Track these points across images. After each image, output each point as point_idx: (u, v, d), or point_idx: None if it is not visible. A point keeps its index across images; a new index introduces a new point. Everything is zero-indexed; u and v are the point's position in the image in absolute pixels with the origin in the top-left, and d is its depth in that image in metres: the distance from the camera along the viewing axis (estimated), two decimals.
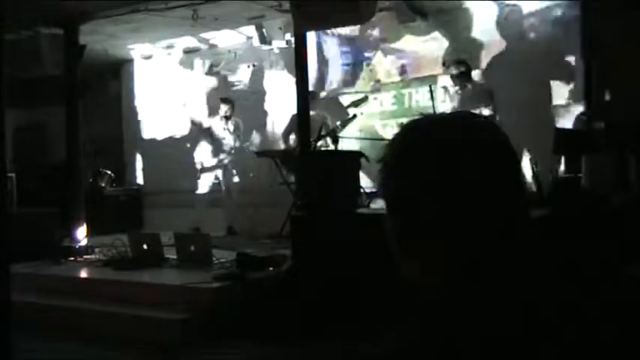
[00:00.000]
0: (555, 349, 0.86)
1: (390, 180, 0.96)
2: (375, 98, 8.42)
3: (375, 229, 1.05)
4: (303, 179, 6.16)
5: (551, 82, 7.33)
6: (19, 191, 7.64)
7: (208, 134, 8.39)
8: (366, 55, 8.57)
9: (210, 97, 9.60)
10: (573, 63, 7.14)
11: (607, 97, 5.88)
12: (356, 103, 7.68)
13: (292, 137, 7.94)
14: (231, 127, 8.21)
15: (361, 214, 5.29)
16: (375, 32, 8.36)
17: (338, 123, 7.37)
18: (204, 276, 5.09)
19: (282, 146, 8.23)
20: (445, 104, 7.54)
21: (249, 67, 9.39)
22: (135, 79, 10.54)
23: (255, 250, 5.86)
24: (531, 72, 7.17)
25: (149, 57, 10.25)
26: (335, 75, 8.79)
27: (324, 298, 4.56)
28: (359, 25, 7.79)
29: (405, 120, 7.87)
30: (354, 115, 7.55)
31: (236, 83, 9.55)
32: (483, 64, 7.65)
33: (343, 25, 7.18)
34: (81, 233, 7.29)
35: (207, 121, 8.60)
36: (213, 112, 8.50)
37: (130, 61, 10.44)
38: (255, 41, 8.83)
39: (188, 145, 9.68)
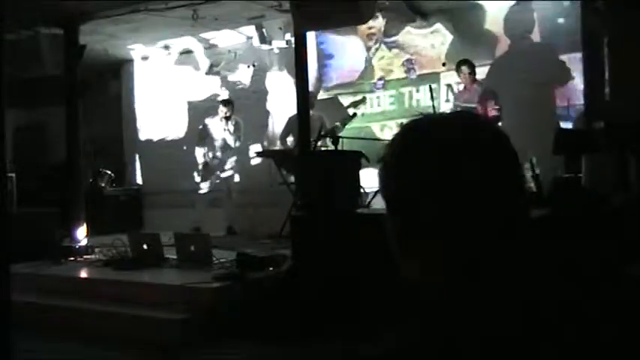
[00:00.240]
0: (555, 349, 0.86)
1: (390, 180, 0.96)
2: (378, 97, 8.41)
3: (375, 229, 1.05)
4: (302, 179, 6.16)
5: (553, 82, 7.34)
6: (19, 191, 7.64)
7: (207, 134, 8.40)
8: (370, 47, 8.57)
9: (210, 98, 9.60)
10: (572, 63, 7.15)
11: (607, 97, 5.88)
12: (355, 104, 7.66)
13: (290, 139, 7.95)
14: (232, 128, 8.20)
15: (361, 214, 5.29)
16: (377, 24, 8.28)
17: (337, 123, 7.37)
18: (204, 276, 5.09)
19: (280, 147, 8.23)
20: (449, 103, 7.55)
21: (249, 67, 9.39)
22: (135, 79, 10.54)
23: (255, 250, 5.86)
24: (534, 72, 7.17)
25: (149, 57, 10.25)
26: (334, 73, 8.79)
27: (324, 298, 4.56)
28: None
29: (404, 121, 7.92)
30: (354, 114, 7.55)
31: (236, 83, 9.56)
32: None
33: (343, 25, 7.18)
34: (81, 233, 7.29)
35: (206, 122, 8.60)
36: (212, 112, 8.49)
37: (130, 61, 10.44)
38: (255, 41, 8.83)
39: (185, 147, 9.71)
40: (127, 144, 10.60)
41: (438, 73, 7.92)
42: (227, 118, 8.19)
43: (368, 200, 6.45)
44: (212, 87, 9.73)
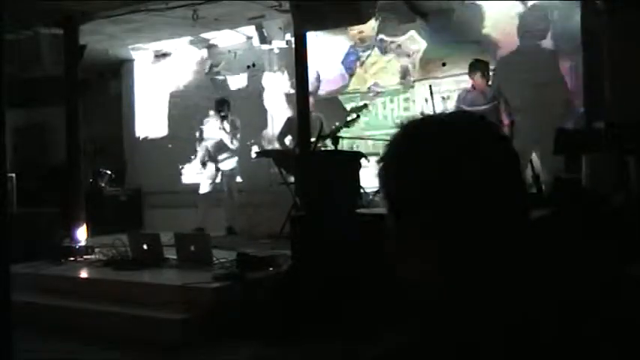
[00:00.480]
0: (555, 348, 0.86)
1: (391, 180, 0.96)
2: (374, 104, 8.38)
3: (375, 229, 1.06)
4: (302, 179, 6.17)
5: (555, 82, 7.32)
6: (19, 191, 7.64)
7: (205, 134, 8.42)
8: (361, 52, 8.57)
9: (209, 98, 9.61)
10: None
11: (607, 97, 5.89)
12: (355, 110, 7.59)
13: (288, 139, 7.95)
14: (228, 127, 8.20)
15: (361, 214, 5.29)
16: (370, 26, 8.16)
17: (337, 123, 7.37)
18: (204, 276, 5.09)
19: (279, 147, 8.24)
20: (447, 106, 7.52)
21: (249, 67, 9.39)
22: (135, 79, 10.54)
23: (255, 250, 5.86)
24: (538, 72, 7.17)
25: (149, 57, 10.26)
26: (330, 74, 8.80)
27: (324, 298, 4.56)
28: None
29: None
30: (358, 116, 7.55)
31: (236, 83, 9.56)
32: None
33: (343, 25, 7.19)
34: (81, 233, 7.29)
35: (204, 121, 8.62)
36: (210, 112, 8.51)
37: (130, 61, 10.45)
38: (255, 41, 8.83)
39: (184, 147, 9.72)
40: (127, 144, 10.60)
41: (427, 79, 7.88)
42: (223, 118, 8.20)
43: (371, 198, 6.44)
44: (212, 87, 9.72)
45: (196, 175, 9.05)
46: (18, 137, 9.57)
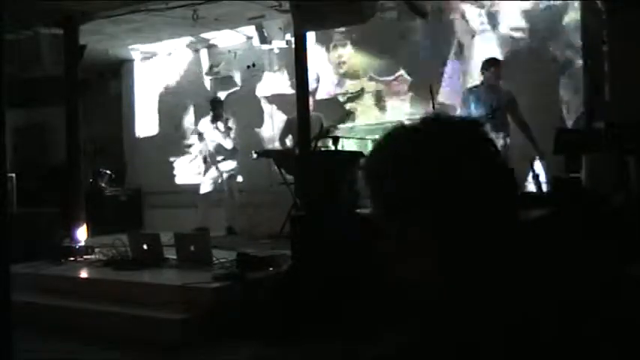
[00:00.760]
0: (555, 348, 0.86)
1: (389, 180, 0.96)
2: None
3: (375, 229, 1.06)
4: (302, 179, 6.16)
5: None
6: (19, 191, 7.64)
7: (202, 133, 8.44)
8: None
9: (208, 98, 9.62)
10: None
11: (607, 97, 5.89)
12: (340, 121, 7.53)
13: (289, 139, 7.95)
14: (222, 127, 8.21)
15: (361, 214, 5.29)
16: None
17: (327, 123, 7.34)
18: (204, 276, 5.08)
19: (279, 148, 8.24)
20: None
21: (249, 67, 9.39)
22: (135, 79, 10.55)
23: (255, 250, 5.86)
24: (541, 72, 7.16)
25: (149, 57, 10.26)
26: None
27: (324, 298, 4.56)
28: None
29: None
30: (350, 112, 7.53)
31: (236, 83, 9.56)
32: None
33: (343, 25, 7.18)
34: (81, 233, 7.29)
35: (202, 121, 8.63)
36: (206, 112, 8.52)
37: (130, 61, 10.45)
38: (255, 41, 8.83)
39: (184, 146, 9.74)
40: (127, 144, 10.60)
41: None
42: (217, 117, 8.21)
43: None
44: (211, 87, 9.73)
45: (195, 175, 9.06)
46: (18, 137, 9.57)
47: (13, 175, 7.35)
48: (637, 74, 5.56)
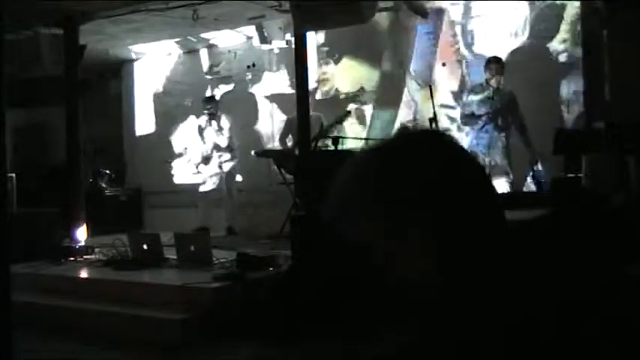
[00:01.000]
0: (555, 348, 0.86)
1: (388, 181, 0.97)
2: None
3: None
4: (302, 179, 6.16)
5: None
6: (19, 191, 7.64)
7: (200, 133, 8.46)
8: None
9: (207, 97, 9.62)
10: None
11: (607, 97, 5.88)
12: (339, 120, 7.54)
13: (289, 139, 7.95)
14: (216, 126, 8.22)
15: None
16: None
17: (326, 122, 7.33)
18: (204, 276, 5.08)
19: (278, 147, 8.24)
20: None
21: (249, 67, 9.39)
22: (135, 79, 10.55)
23: (255, 250, 5.85)
24: (541, 72, 7.15)
25: (149, 57, 10.26)
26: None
27: (324, 298, 4.56)
28: None
29: None
30: (348, 112, 7.52)
31: (236, 83, 9.56)
32: None
33: (343, 25, 7.17)
34: (81, 233, 7.29)
35: (199, 121, 8.64)
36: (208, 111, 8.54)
37: (130, 61, 10.45)
38: (255, 41, 8.83)
39: (183, 146, 9.75)
40: (127, 144, 10.60)
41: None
42: (211, 116, 8.22)
43: None
44: (211, 87, 9.73)
45: (193, 175, 9.06)
46: (18, 137, 9.57)
47: (13, 175, 7.35)
48: (637, 74, 5.56)
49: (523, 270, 0.94)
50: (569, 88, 7.22)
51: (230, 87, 9.56)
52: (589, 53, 6.36)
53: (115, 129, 10.57)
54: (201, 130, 8.36)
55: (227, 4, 7.25)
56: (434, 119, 6.32)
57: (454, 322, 0.90)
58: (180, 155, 9.89)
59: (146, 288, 5.29)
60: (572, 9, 7.13)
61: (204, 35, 9.12)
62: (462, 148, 1.00)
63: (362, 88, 7.89)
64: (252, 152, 8.47)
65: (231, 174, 8.36)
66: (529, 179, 6.36)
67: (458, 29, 7.87)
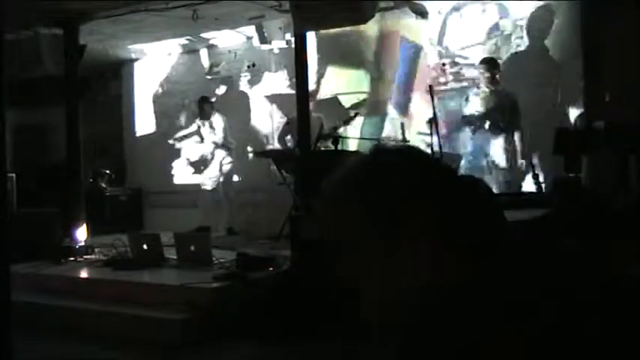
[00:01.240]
0: (555, 348, 0.86)
1: (386, 185, 0.98)
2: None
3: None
4: (302, 179, 6.16)
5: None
6: (19, 191, 7.64)
7: (198, 133, 8.48)
8: None
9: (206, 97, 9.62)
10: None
11: (607, 97, 5.88)
12: (346, 122, 7.55)
13: (288, 138, 7.95)
14: (210, 126, 8.23)
15: None
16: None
17: (337, 122, 7.35)
18: (204, 276, 5.09)
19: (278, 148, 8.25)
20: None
21: (248, 67, 9.40)
22: (135, 79, 10.55)
23: (255, 250, 5.86)
24: (541, 71, 7.15)
25: (149, 57, 10.26)
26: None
27: (324, 298, 4.56)
28: None
29: None
30: (356, 114, 7.54)
31: (235, 83, 9.56)
32: None
33: (343, 25, 7.17)
34: (81, 233, 7.29)
35: (197, 121, 8.66)
36: (202, 111, 8.56)
37: (130, 61, 10.45)
38: (255, 41, 8.83)
39: (182, 147, 9.76)
40: (127, 144, 10.60)
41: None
42: (206, 117, 8.24)
43: None
44: (211, 87, 9.73)
45: (192, 175, 9.06)
46: (18, 137, 9.56)
47: (13, 175, 7.35)
48: (637, 74, 5.56)
49: (523, 270, 0.94)
50: (569, 88, 7.22)
51: (230, 87, 9.56)
52: (589, 53, 6.36)
53: (115, 129, 10.57)
54: (197, 130, 8.39)
55: (227, 4, 7.25)
56: (434, 119, 6.32)
57: (452, 325, 0.90)
58: (182, 154, 9.88)
59: (146, 288, 5.29)
60: (569, 9, 7.14)
61: (204, 35, 9.12)
62: (437, 162, 1.02)
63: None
64: (249, 151, 8.47)
65: (227, 174, 8.37)
66: (529, 176, 6.36)
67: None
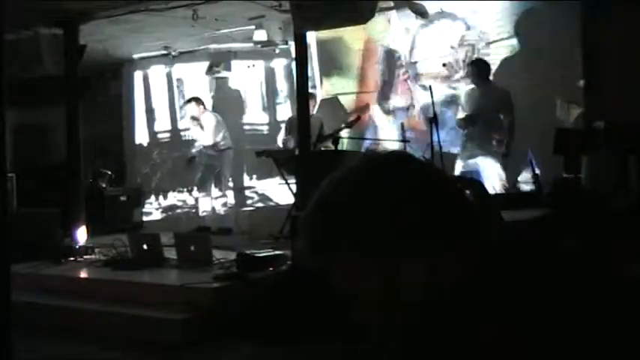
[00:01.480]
0: (555, 348, 0.86)
1: (384, 189, 0.98)
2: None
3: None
4: (302, 179, 6.16)
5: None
6: (19, 191, 7.64)
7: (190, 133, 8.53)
8: None
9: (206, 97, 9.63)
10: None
11: (607, 97, 5.89)
12: (348, 125, 7.56)
13: (288, 138, 7.96)
14: (200, 125, 8.25)
15: None
16: None
17: (342, 125, 7.37)
18: (204, 276, 5.09)
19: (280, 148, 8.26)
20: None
21: (249, 67, 9.40)
22: (135, 79, 10.54)
23: (255, 250, 5.85)
24: (539, 71, 7.15)
25: (149, 57, 10.26)
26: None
27: (324, 298, 4.55)
28: None
29: None
30: (358, 117, 7.54)
31: (235, 83, 9.57)
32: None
33: (343, 25, 7.17)
34: (81, 233, 7.28)
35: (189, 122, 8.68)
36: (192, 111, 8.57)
37: (130, 61, 10.44)
38: (255, 41, 8.82)
39: (182, 146, 9.78)
40: (127, 144, 10.60)
41: None
42: (193, 117, 8.26)
43: None
44: (210, 87, 9.73)
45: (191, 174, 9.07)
46: (18, 137, 9.56)
47: (13, 175, 7.35)
48: (637, 74, 5.56)
49: (522, 270, 0.94)
50: (569, 88, 7.22)
51: (230, 87, 9.56)
52: (589, 53, 6.37)
53: (115, 129, 10.56)
54: (192, 129, 8.44)
55: (227, 4, 7.25)
56: (434, 119, 6.33)
57: (450, 325, 0.90)
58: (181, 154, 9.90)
59: (146, 288, 5.29)
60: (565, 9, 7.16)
61: (204, 35, 9.11)
62: (425, 166, 1.03)
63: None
64: (253, 152, 8.46)
65: (220, 172, 8.37)
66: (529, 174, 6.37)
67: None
